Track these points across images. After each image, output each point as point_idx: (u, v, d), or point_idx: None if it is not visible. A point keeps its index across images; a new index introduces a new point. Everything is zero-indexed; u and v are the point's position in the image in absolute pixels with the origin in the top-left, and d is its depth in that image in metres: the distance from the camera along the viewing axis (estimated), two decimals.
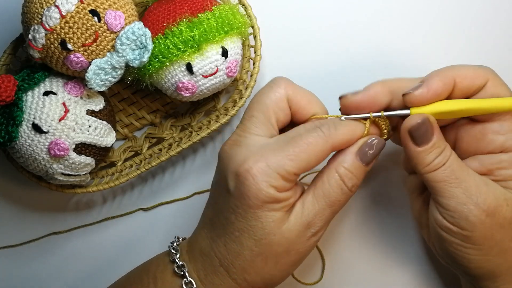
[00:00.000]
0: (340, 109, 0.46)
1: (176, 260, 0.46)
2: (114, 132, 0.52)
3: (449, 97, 0.44)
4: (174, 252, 0.47)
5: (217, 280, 0.45)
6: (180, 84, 0.51)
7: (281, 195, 0.43)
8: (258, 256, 0.44)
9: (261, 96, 0.46)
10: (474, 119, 0.46)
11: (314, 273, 0.57)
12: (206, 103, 0.56)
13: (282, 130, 0.47)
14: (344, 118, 0.45)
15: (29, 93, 0.49)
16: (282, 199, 0.43)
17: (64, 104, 0.49)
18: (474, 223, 0.43)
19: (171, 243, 0.48)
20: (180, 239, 0.49)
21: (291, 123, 0.47)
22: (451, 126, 0.48)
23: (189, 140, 0.54)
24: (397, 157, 0.56)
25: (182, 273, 0.46)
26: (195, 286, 0.45)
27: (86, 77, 0.48)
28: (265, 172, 0.42)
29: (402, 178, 0.56)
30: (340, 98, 0.45)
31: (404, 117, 0.44)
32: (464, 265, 0.44)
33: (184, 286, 0.45)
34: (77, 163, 0.50)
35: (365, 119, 0.45)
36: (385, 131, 0.45)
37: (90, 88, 0.49)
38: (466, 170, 0.44)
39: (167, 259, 0.47)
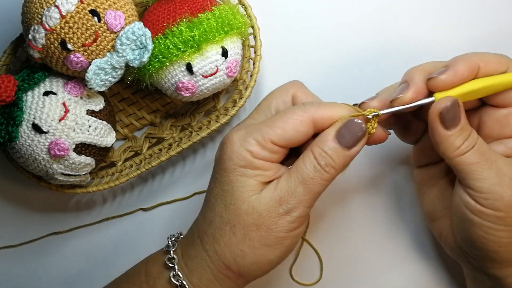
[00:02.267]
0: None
1: (169, 243, 0.47)
2: (114, 132, 0.52)
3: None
4: (170, 242, 0.48)
5: (193, 251, 0.46)
6: (180, 84, 0.51)
7: (255, 161, 0.44)
8: (227, 223, 0.44)
9: (272, 91, 0.48)
10: (497, 105, 0.46)
11: (313, 274, 0.57)
12: (206, 103, 0.56)
13: None
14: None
15: (29, 93, 0.49)
16: (258, 166, 0.44)
17: (64, 104, 0.49)
18: (508, 203, 0.43)
19: (170, 235, 0.49)
20: (181, 236, 0.49)
21: None
22: (474, 112, 0.48)
23: (189, 140, 0.54)
24: (395, 157, 0.56)
25: (168, 250, 0.47)
26: (176, 260, 0.46)
27: (86, 77, 0.48)
28: (242, 137, 0.44)
29: (400, 177, 0.56)
30: (391, 101, 0.45)
31: (422, 107, 0.45)
32: (493, 250, 0.44)
33: (166, 261, 0.46)
34: (77, 163, 0.50)
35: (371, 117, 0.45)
36: (372, 131, 0.45)
37: (90, 88, 0.49)
38: (495, 152, 0.44)
39: (161, 250, 0.48)
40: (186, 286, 0.45)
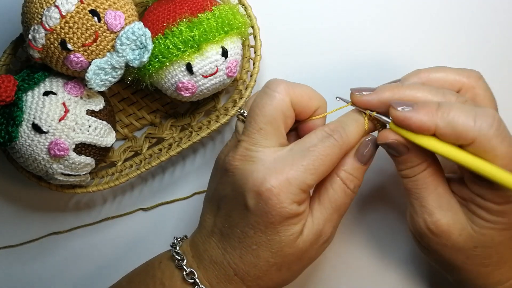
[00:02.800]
0: (337, 97, 0.47)
1: (184, 266, 0.46)
2: (114, 132, 0.52)
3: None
4: (179, 258, 0.47)
5: (231, 287, 0.46)
6: (180, 84, 0.51)
7: (301, 208, 0.44)
8: (273, 266, 0.45)
9: (264, 106, 0.45)
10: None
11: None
12: (206, 103, 0.56)
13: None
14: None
15: (29, 93, 0.49)
16: (302, 212, 0.44)
17: (64, 104, 0.49)
18: (421, 234, 0.45)
19: (172, 245, 0.48)
20: (179, 239, 0.49)
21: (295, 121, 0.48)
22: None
23: (189, 140, 0.54)
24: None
25: (193, 280, 0.46)
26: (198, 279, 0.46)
27: (86, 77, 0.48)
28: (287, 190, 0.42)
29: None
30: (352, 91, 0.45)
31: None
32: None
33: (187, 277, 0.46)
34: (77, 163, 0.50)
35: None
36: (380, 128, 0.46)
37: (90, 88, 0.49)
38: (433, 189, 0.44)
39: (172, 264, 0.47)
40: None
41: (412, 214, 0.45)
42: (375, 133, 0.46)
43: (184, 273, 0.46)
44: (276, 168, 0.43)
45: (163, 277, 0.47)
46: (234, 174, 0.44)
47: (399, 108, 0.42)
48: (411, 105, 0.42)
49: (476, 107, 0.41)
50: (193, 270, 0.46)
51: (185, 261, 0.46)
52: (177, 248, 0.47)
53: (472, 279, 0.46)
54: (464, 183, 0.44)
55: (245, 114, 0.46)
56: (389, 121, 0.44)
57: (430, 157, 0.44)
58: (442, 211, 0.44)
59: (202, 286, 0.45)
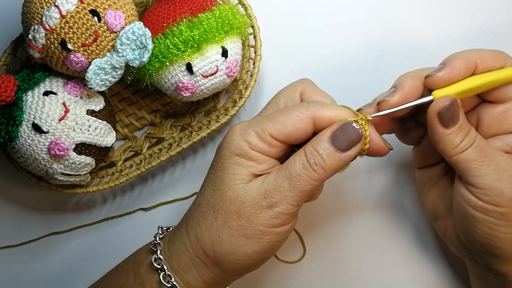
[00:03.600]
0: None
1: (159, 231, 0.48)
2: (114, 132, 0.52)
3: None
4: (160, 230, 0.48)
5: (178, 235, 0.46)
6: (180, 84, 0.51)
7: (251, 152, 0.44)
8: (212, 208, 0.45)
9: (282, 89, 0.48)
10: (494, 101, 0.47)
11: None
12: (206, 103, 0.56)
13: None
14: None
15: (29, 93, 0.49)
16: (252, 158, 0.44)
17: (64, 104, 0.49)
18: (510, 198, 0.43)
19: (159, 228, 0.50)
20: (172, 226, 0.50)
21: None
22: (472, 110, 0.48)
23: (189, 140, 0.54)
24: (397, 158, 0.56)
25: (155, 236, 0.47)
26: (161, 246, 0.46)
27: (86, 77, 0.48)
28: (243, 128, 0.45)
29: (400, 178, 0.57)
30: (378, 103, 0.45)
31: (421, 108, 0.45)
32: (497, 246, 0.44)
33: (152, 247, 0.47)
34: (77, 163, 0.50)
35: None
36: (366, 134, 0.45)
37: (90, 88, 0.49)
38: (493, 148, 0.44)
39: (147, 246, 0.48)
40: (166, 269, 0.45)
41: (463, 196, 0.44)
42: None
43: (154, 242, 0.47)
44: (248, 120, 0.46)
45: (137, 250, 0.49)
46: None
47: (438, 71, 0.44)
48: (442, 65, 0.44)
49: None
50: (161, 231, 0.48)
51: (160, 229, 0.48)
52: (164, 227, 0.49)
53: None
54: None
55: None
56: (431, 97, 0.44)
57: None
58: (504, 179, 0.43)
59: (160, 241, 0.47)
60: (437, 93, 0.44)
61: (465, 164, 0.44)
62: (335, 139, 0.43)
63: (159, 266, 0.45)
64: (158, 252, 0.46)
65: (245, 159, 0.44)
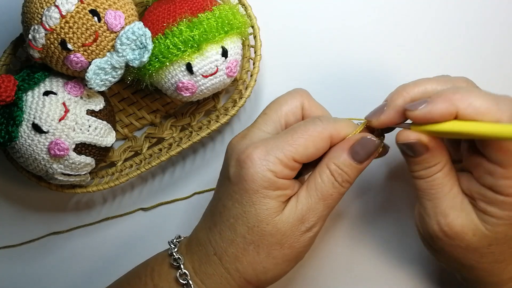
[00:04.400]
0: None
1: (173, 253, 0.47)
2: (114, 132, 0.52)
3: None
4: (172, 246, 0.48)
5: (210, 269, 0.45)
6: (180, 84, 0.51)
7: (279, 181, 0.44)
8: (251, 244, 0.44)
9: (278, 99, 0.48)
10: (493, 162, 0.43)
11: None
12: (206, 103, 0.56)
13: None
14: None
15: (29, 93, 0.49)
16: (280, 186, 0.44)
17: (64, 104, 0.49)
18: (432, 237, 0.45)
19: (171, 240, 0.49)
20: (182, 237, 0.49)
21: None
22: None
23: (189, 140, 0.54)
24: (394, 156, 0.56)
25: (178, 264, 0.46)
26: (189, 276, 0.46)
27: (86, 77, 0.48)
28: (264, 157, 0.43)
29: (400, 177, 0.57)
30: (368, 119, 0.45)
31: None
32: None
33: (178, 277, 0.46)
34: (77, 163, 0.50)
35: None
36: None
37: (90, 88, 0.49)
38: (448, 190, 0.44)
39: (166, 253, 0.48)
40: None
41: (424, 217, 0.45)
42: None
43: (172, 258, 0.47)
44: (260, 142, 0.44)
45: (155, 264, 0.48)
46: (227, 150, 0.46)
47: (414, 108, 0.42)
48: (425, 100, 0.42)
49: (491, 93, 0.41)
50: (180, 256, 0.47)
51: (175, 248, 0.47)
52: (174, 240, 0.49)
53: (485, 277, 0.46)
54: (472, 180, 0.44)
55: None
56: (408, 124, 0.43)
57: (446, 157, 0.44)
58: (456, 212, 0.43)
59: (185, 270, 0.46)
60: (414, 127, 0.43)
61: (416, 187, 0.45)
62: (355, 153, 0.44)
63: None
64: (192, 285, 0.46)
65: (273, 190, 0.44)
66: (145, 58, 0.48)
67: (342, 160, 0.44)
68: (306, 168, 0.47)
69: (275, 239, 0.44)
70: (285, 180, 0.44)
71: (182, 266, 0.46)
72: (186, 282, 0.46)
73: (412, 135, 0.43)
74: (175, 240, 0.49)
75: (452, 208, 0.43)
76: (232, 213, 0.45)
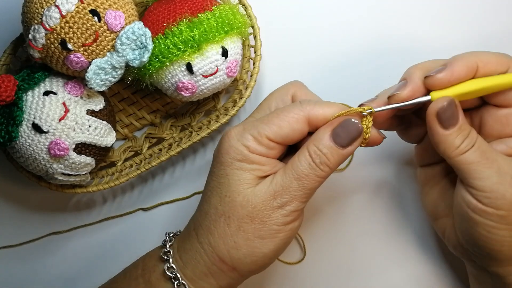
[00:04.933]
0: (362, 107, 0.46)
1: (166, 238, 0.48)
2: (114, 132, 0.52)
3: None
4: (168, 237, 0.49)
5: (188, 244, 0.46)
6: (180, 84, 0.51)
7: (252, 156, 0.44)
8: (222, 215, 0.45)
9: (272, 91, 0.49)
10: (498, 105, 0.46)
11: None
12: (206, 103, 0.56)
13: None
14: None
15: (29, 93, 0.49)
16: (253, 161, 0.44)
17: (64, 104, 0.49)
18: (511, 201, 0.43)
19: (169, 232, 0.50)
20: (180, 232, 0.50)
21: None
22: (475, 111, 0.48)
23: (189, 140, 0.54)
24: (399, 156, 0.56)
25: (165, 244, 0.48)
26: (171, 254, 0.47)
27: (86, 77, 0.48)
28: (239, 133, 0.45)
29: (403, 176, 0.57)
30: (389, 97, 0.45)
31: (421, 106, 0.45)
32: (496, 249, 0.44)
33: (162, 255, 0.47)
34: (77, 163, 0.50)
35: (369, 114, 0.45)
36: (368, 130, 0.45)
37: (90, 88, 0.49)
38: (495, 151, 0.44)
39: (161, 244, 0.49)
40: (180, 278, 0.46)
41: (464, 198, 0.44)
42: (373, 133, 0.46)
43: (163, 245, 0.48)
44: (241, 122, 0.46)
45: (145, 257, 0.49)
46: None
47: (439, 71, 0.43)
48: (443, 66, 0.44)
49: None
50: (168, 239, 0.48)
51: (168, 236, 0.49)
52: (171, 234, 0.49)
53: None
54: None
55: None
56: (428, 97, 0.44)
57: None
58: (504, 180, 0.43)
59: (170, 249, 0.47)
60: (434, 94, 0.44)
61: (466, 166, 0.43)
62: (337, 136, 0.44)
63: (172, 275, 0.46)
64: (170, 260, 0.46)
65: (247, 163, 0.44)
66: (145, 58, 0.48)
67: (322, 142, 0.44)
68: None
69: (246, 211, 0.44)
70: (260, 156, 0.45)
71: (168, 245, 0.47)
72: (167, 258, 0.46)
73: (446, 98, 0.43)
74: (171, 235, 0.49)
75: (511, 164, 0.43)
76: (209, 187, 0.46)
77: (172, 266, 0.46)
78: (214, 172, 0.46)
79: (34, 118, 0.48)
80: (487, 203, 0.43)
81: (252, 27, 0.53)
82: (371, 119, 0.44)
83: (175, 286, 0.45)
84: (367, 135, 0.45)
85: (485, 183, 0.43)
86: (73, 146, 0.49)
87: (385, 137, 0.46)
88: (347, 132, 0.44)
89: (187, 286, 0.45)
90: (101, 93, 0.52)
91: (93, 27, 0.47)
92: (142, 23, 0.49)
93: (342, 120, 0.44)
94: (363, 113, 0.44)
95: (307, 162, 0.44)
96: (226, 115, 0.54)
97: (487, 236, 0.44)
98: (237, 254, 0.45)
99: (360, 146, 0.45)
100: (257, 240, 0.44)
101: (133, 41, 0.48)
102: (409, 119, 0.50)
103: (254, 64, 0.53)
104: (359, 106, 0.46)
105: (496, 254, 0.45)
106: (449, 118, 0.43)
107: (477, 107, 0.48)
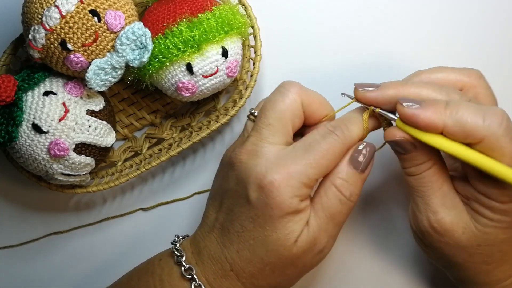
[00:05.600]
0: (342, 94, 0.47)
1: (183, 262, 0.46)
2: (114, 132, 0.52)
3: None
4: (179, 254, 0.47)
5: (227, 283, 0.45)
6: (180, 84, 0.51)
7: (302, 205, 0.43)
8: (268, 265, 0.44)
9: (275, 103, 0.46)
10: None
11: None
12: (206, 103, 0.56)
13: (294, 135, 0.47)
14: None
15: (29, 93, 0.49)
16: (304, 209, 0.44)
17: (64, 104, 0.49)
18: (423, 232, 0.45)
19: (173, 243, 0.48)
20: (181, 237, 0.49)
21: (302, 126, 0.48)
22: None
23: (189, 140, 0.54)
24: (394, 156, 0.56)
25: (190, 276, 0.46)
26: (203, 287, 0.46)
27: (86, 77, 0.48)
28: (288, 183, 0.43)
29: (397, 177, 0.57)
30: (356, 87, 0.45)
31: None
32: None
33: (189, 280, 0.46)
34: (77, 163, 0.50)
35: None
36: (384, 125, 0.46)
37: (90, 88, 0.49)
38: (438, 188, 0.44)
39: (171, 261, 0.47)
40: None
41: (415, 212, 0.45)
42: (375, 136, 0.46)
43: (183, 269, 0.46)
44: (279, 163, 0.43)
45: (162, 273, 0.47)
46: (239, 167, 0.45)
47: (406, 105, 0.42)
48: (419, 102, 0.42)
49: (484, 105, 0.41)
50: (191, 266, 0.46)
51: (184, 257, 0.46)
52: (177, 245, 0.48)
53: (473, 277, 0.46)
54: (468, 181, 0.44)
55: (256, 114, 0.47)
56: (395, 118, 0.43)
57: (436, 155, 0.44)
58: (446, 209, 0.44)
59: (199, 282, 0.45)
60: (399, 123, 0.43)
61: (407, 184, 0.45)
62: (356, 162, 0.44)
63: None
64: None
65: (298, 214, 0.44)
66: (145, 58, 0.48)
67: (345, 172, 0.44)
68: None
69: (290, 261, 0.44)
70: (307, 200, 0.44)
71: (195, 277, 0.46)
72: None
73: (398, 133, 0.43)
74: (178, 245, 0.48)
75: (442, 205, 0.44)
76: (252, 235, 0.44)
77: None
78: (260, 223, 0.44)
79: (34, 118, 0.48)
80: (413, 220, 0.47)
81: (252, 27, 0.53)
82: (366, 116, 0.45)
83: None
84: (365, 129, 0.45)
85: (413, 206, 0.46)
86: (73, 146, 0.49)
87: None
88: (367, 155, 0.44)
89: None
90: (101, 93, 0.52)
91: (93, 27, 0.47)
92: (142, 23, 0.48)
93: (357, 146, 0.45)
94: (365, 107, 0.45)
95: (337, 198, 0.44)
96: (226, 115, 0.54)
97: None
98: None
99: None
100: (296, 279, 0.47)
101: (133, 41, 0.48)
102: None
103: (254, 64, 0.53)
104: (355, 86, 0.46)
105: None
106: (400, 148, 0.43)
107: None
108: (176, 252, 0.47)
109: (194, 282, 0.45)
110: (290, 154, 0.44)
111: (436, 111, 0.41)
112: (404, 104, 0.42)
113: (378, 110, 0.45)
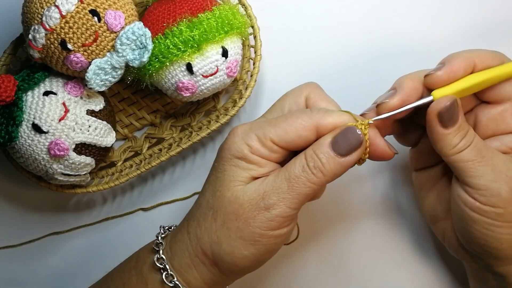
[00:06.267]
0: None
1: (160, 230, 0.48)
2: (114, 132, 0.52)
3: None
4: (162, 230, 0.49)
5: (179, 234, 0.46)
6: (180, 84, 0.51)
7: (251, 156, 0.44)
8: (211, 209, 0.45)
9: (287, 91, 0.48)
10: (491, 102, 0.47)
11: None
12: (206, 103, 0.56)
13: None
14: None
15: (29, 93, 0.49)
16: (252, 161, 0.44)
17: (64, 104, 0.49)
18: (506, 199, 0.43)
19: (157, 235, 0.49)
20: (166, 227, 0.50)
21: None
22: (469, 111, 0.48)
23: (189, 140, 0.54)
24: (395, 160, 0.56)
25: (157, 236, 0.48)
26: (163, 245, 0.47)
27: (86, 77, 0.48)
28: (245, 131, 0.45)
29: (397, 180, 0.57)
30: (377, 106, 0.45)
31: (419, 109, 0.45)
32: (495, 247, 0.44)
33: (154, 247, 0.47)
34: (77, 163, 0.50)
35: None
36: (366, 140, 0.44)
37: (90, 88, 0.49)
38: (491, 149, 0.44)
39: (149, 245, 0.49)
40: (168, 269, 0.46)
41: (461, 197, 0.44)
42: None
43: (156, 241, 0.47)
44: (250, 122, 0.46)
45: (140, 249, 0.49)
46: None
47: (438, 69, 0.44)
48: (441, 64, 0.44)
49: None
50: (163, 231, 0.48)
51: (162, 229, 0.49)
52: (166, 227, 0.49)
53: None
54: None
55: None
56: (396, 112, 0.44)
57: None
58: (510, 164, 0.44)
59: (162, 241, 0.47)
60: (436, 93, 0.44)
61: (462, 164, 0.44)
62: (336, 143, 0.43)
63: (161, 266, 0.46)
64: (160, 251, 0.46)
65: (245, 162, 0.44)
66: (145, 58, 0.48)
67: (321, 148, 0.43)
68: None
69: (232, 208, 0.44)
70: (261, 158, 0.44)
71: (160, 237, 0.47)
72: (157, 249, 0.47)
73: (448, 97, 0.43)
74: (166, 227, 0.49)
75: (506, 162, 0.44)
76: (207, 180, 0.46)
77: (162, 257, 0.46)
78: (215, 166, 0.46)
79: (34, 118, 0.48)
80: (483, 201, 0.43)
81: (252, 27, 0.53)
82: (366, 131, 0.44)
83: (164, 277, 0.45)
84: (367, 151, 0.44)
85: (480, 181, 0.43)
86: (73, 146, 0.49)
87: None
88: (347, 140, 0.43)
89: (175, 277, 0.45)
90: (101, 93, 0.52)
91: (93, 27, 0.47)
92: (142, 23, 0.48)
93: (344, 128, 0.43)
94: (361, 123, 0.44)
95: (301, 165, 0.43)
96: (226, 115, 0.54)
97: (486, 234, 0.44)
98: (218, 250, 0.44)
99: (360, 163, 0.45)
100: (238, 240, 0.44)
101: (133, 41, 0.48)
102: (406, 123, 0.49)
103: (254, 64, 0.53)
104: (361, 115, 0.46)
105: (496, 252, 0.44)
106: (450, 117, 0.43)
107: (471, 107, 0.48)
108: (160, 229, 0.49)
109: (156, 240, 0.47)
110: (263, 119, 0.46)
111: (461, 55, 0.44)
112: (433, 71, 0.44)
113: (370, 120, 0.44)
